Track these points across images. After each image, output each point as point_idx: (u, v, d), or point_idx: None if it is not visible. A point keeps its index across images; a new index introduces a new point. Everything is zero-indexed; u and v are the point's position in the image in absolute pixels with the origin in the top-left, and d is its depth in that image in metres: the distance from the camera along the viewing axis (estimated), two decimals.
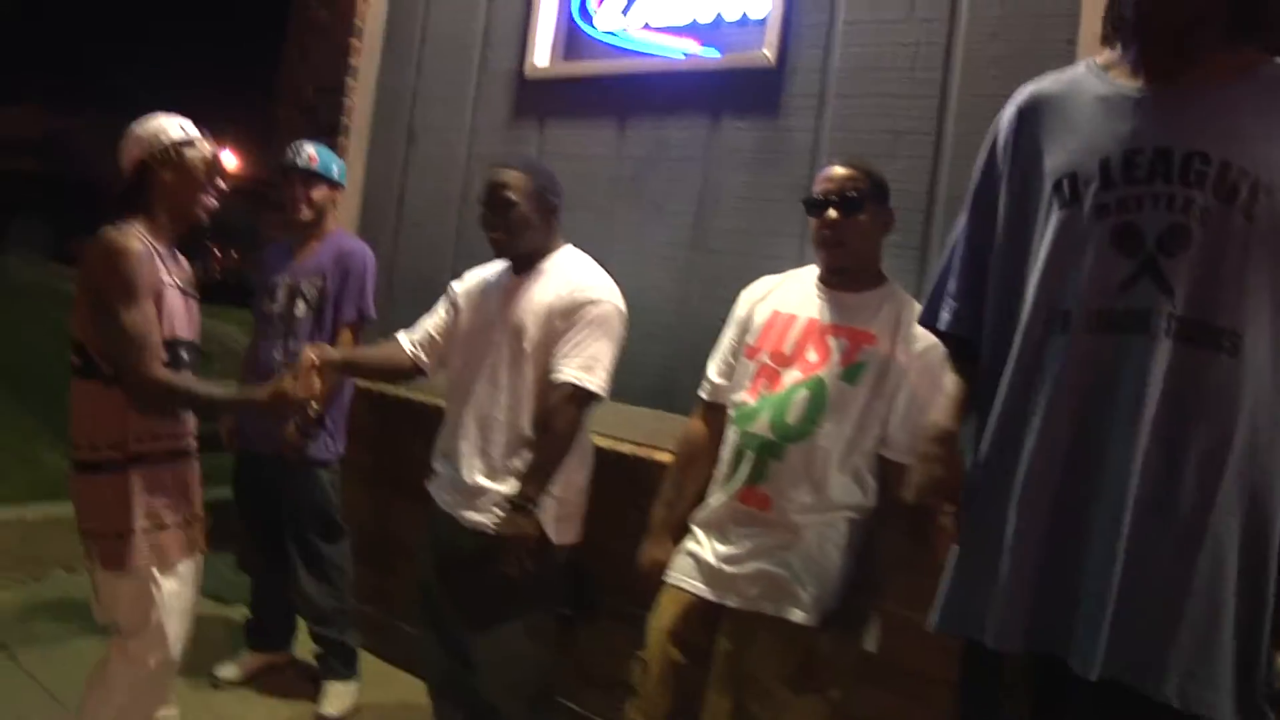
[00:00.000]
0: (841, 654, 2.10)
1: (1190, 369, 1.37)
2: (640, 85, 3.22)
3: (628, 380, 2.77)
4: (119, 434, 2.20)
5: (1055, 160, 1.53)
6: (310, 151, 3.23)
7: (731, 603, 2.12)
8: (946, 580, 1.61)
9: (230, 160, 16.77)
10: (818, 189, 2.22)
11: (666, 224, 3.13)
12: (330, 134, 3.98)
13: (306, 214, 3.23)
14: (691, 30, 3.13)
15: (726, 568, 2.14)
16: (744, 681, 2.07)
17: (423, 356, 2.70)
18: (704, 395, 2.41)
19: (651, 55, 3.20)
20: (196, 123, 2.36)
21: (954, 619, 1.58)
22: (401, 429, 3.55)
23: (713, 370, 2.40)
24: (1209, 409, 1.36)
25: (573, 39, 3.46)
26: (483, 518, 2.42)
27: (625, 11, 3.28)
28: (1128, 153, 1.44)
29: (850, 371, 2.13)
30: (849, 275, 2.23)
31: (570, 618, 2.71)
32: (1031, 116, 1.60)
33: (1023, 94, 1.65)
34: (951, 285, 1.73)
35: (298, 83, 4.29)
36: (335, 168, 3.29)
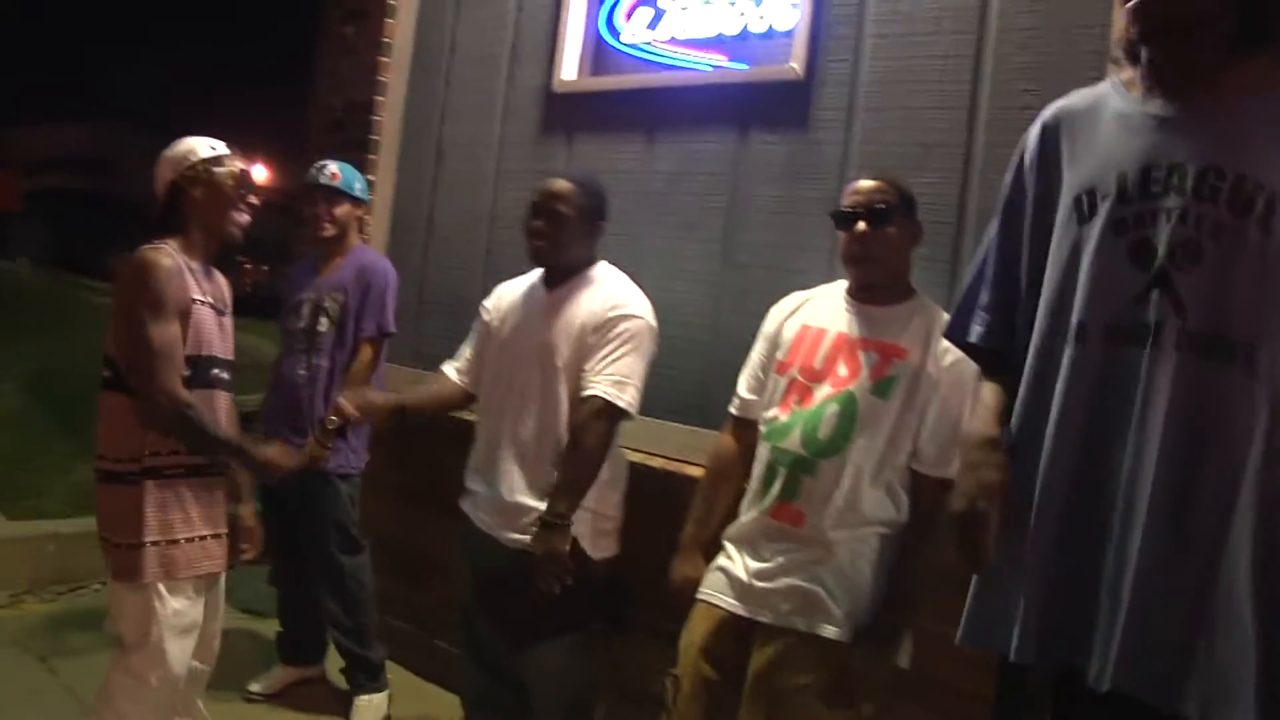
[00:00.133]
0: (874, 669, 2.08)
1: (1201, 382, 1.38)
2: (668, 99, 3.23)
3: (659, 395, 2.77)
4: (136, 447, 2.24)
5: (1075, 176, 1.56)
6: (333, 169, 3.28)
7: (764, 618, 2.11)
8: (971, 594, 1.62)
9: (262, 174, 16.96)
10: (845, 202, 2.22)
11: (696, 238, 3.13)
12: (360, 150, 4.02)
13: (329, 230, 3.28)
14: (718, 43, 3.14)
15: (759, 583, 2.14)
16: (776, 697, 2.06)
17: (470, 383, 2.71)
18: (734, 411, 2.41)
19: (679, 69, 3.21)
20: (232, 138, 2.39)
21: (976, 633, 1.60)
22: (430, 443, 3.56)
23: (742, 386, 2.40)
24: (1220, 422, 1.37)
25: (600, 53, 3.48)
26: (526, 537, 2.40)
27: (652, 25, 3.29)
28: (1144, 169, 1.46)
29: (881, 386, 2.12)
30: (878, 288, 2.22)
31: (604, 631, 2.71)
32: (1055, 133, 1.62)
33: (1049, 110, 1.67)
34: (984, 298, 1.73)
35: (327, 100, 4.33)
36: (358, 184, 3.34)
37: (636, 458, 2.86)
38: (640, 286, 2.61)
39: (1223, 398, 1.37)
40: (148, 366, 2.19)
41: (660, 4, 3.27)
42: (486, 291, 2.83)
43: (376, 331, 3.26)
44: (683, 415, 3.02)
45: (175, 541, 2.25)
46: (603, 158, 3.37)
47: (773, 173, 2.99)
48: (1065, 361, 1.50)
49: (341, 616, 3.24)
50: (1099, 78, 1.74)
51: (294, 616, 3.44)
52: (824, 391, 2.16)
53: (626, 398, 2.42)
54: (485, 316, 2.73)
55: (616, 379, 2.42)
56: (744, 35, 3.09)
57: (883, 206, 2.16)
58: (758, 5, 3.06)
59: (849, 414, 2.11)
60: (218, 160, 2.35)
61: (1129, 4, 1.48)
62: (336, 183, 3.26)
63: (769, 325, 2.39)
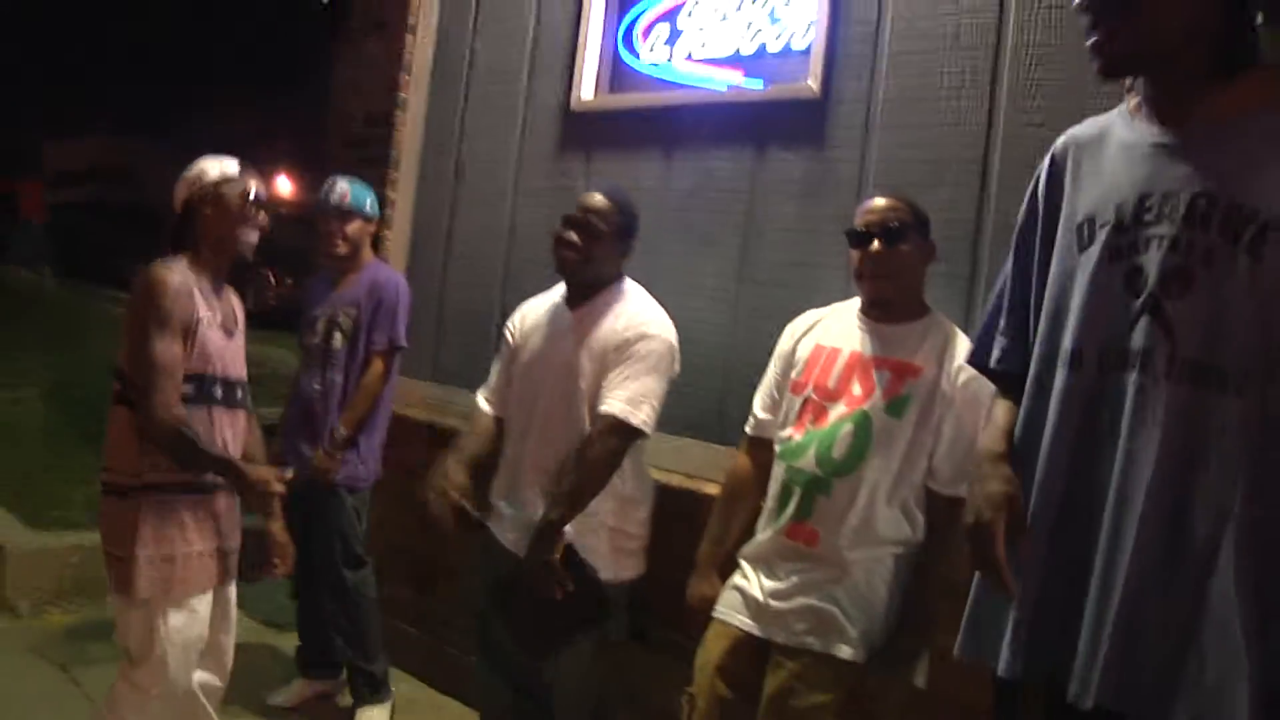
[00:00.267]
0: (889, 690, 2.08)
1: (1190, 409, 1.37)
2: (685, 117, 3.24)
3: (675, 412, 2.77)
4: (136, 461, 2.26)
5: (1079, 204, 1.57)
6: (343, 188, 3.32)
7: (779, 638, 2.12)
8: (968, 605, 1.64)
9: (286, 186, 17.05)
10: (859, 221, 2.23)
11: (713, 256, 3.14)
12: (379, 167, 4.05)
13: (342, 248, 3.31)
14: (735, 61, 3.15)
15: (774, 603, 2.14)
16: (791, 717, 2.06)
17: (500, 407, 2.71)
18: (749, 430, 2.42)
19: (696, 87, 3.22)
20: (255, 150, 2.42)
21: (970, 643, 1.62)
22: (442, 455, 3.56)
23: (757, 405, 2.40)
24: (1210, 449, 1.37)
25: (618, 71, 3.50)
26: None
27: (670, 43, 3.31)
28: (1141, 196, 1.47)
29: (895, 405, 2.12)
30: (891, 306, 2.23)
31: (623, 645, 2.72)
32: (1063, 161, 1.64)
33: (1059, 140, 1.68)
34: (1002, 323, 1.74)
35: (347, 116, 4.37)
36: (368, 201, 3.37)
37: (653, 474, 2.87)
38: (657, 303, 2.62)
39: (1213, 424, 1.37)
40: (146, 381, 2.22)
41: (678, 23, 3.29)
42: (504, 307, 2.84)
43: (388, 345, 3.29)
44: (699, 431, 3.03)
45: (172, 558, 2.25)
46: (620, 175, 3.37)
47: (789, 190, 3.00)
48: (1059, 386, 1.52)
49: (344, 627, 3.26)
50: (1114, 95, 1.75)
51: (309, 629, 3.46)
52: (838, 411, 2.16)
53: (641, 415, 2.42)
54: (509, 337, 2.74)
55: (633, 397, 2.42)
56: (761, 53, 3.10)
57: (896, 225, 2.17)
58: (774, 24, 3.07)
59: (863, 433, 2.11)
60: (228, 180, 2.38)
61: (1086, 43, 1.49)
62: (346, 201, 3.30)
63: (783, 344, 2.39)
